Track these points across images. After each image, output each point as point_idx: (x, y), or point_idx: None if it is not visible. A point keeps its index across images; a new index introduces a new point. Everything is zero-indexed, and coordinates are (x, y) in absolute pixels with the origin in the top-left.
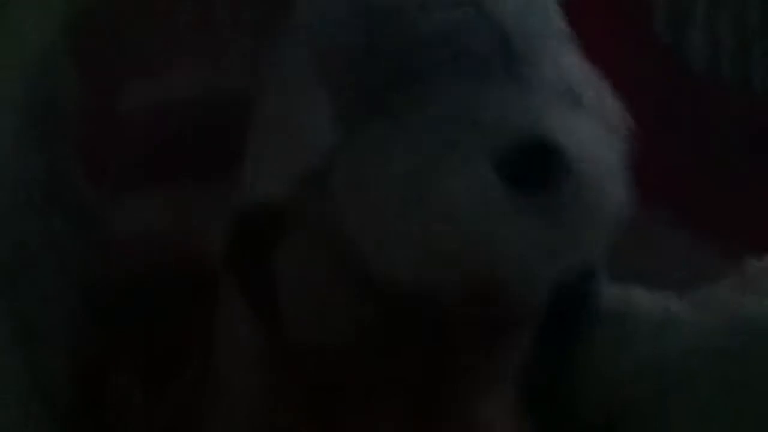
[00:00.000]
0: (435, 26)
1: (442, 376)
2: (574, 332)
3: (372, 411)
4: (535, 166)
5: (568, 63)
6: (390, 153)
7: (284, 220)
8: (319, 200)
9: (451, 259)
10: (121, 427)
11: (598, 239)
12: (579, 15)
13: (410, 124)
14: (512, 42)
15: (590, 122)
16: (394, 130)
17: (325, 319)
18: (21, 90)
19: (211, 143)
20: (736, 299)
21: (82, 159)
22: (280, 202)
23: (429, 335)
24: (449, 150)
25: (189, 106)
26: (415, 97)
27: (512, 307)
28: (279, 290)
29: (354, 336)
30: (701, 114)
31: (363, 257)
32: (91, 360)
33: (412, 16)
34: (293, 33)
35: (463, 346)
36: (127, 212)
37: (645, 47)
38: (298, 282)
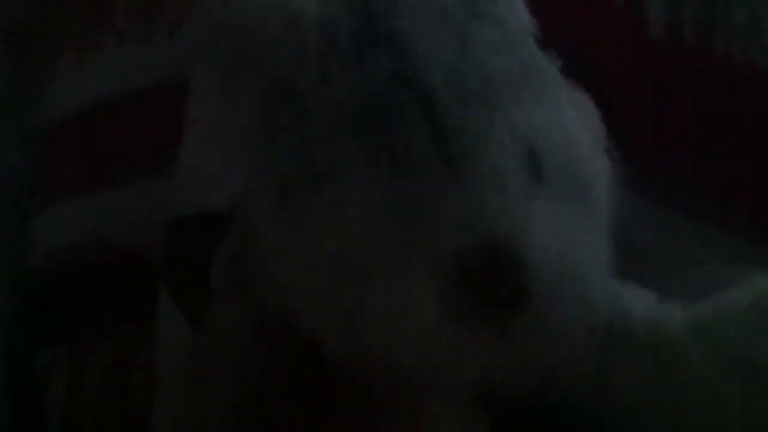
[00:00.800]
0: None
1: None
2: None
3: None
4: (488, 283)
5: (535, 120)
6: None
7: (220, 228)
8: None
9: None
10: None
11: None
12: None
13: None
14: (445, 117)
15: (560, 207)
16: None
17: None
18: None
19: (148, 141)
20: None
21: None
22: (217, 213)
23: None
24: (380, 269)
25: (122, 101)
26: (329, 198)
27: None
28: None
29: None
30: (661, 82)
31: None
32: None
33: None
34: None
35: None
36: (62, 221)
37: (601, 14)
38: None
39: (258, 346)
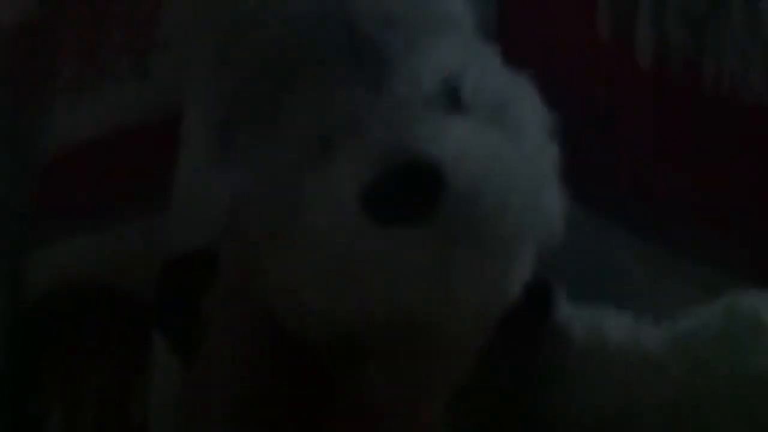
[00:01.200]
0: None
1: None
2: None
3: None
4: (405, 188)
5: (450, 58)
6: (255, 178)
7: (211, 265)
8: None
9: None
10: None
11: (511, 257)
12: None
13: (268, 145)
14: (363, 34)
15: (478, 127)
16: (255, 154)
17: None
18: None
19: (143, 177)
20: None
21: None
22: (205, 249)
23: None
24: (309, 176)
25: (116, 137)
26: (270, 112)
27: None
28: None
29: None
30: (649, 111)
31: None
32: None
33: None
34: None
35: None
36: (56, 258)
37: (587, 44)
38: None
39: (258, 346)
